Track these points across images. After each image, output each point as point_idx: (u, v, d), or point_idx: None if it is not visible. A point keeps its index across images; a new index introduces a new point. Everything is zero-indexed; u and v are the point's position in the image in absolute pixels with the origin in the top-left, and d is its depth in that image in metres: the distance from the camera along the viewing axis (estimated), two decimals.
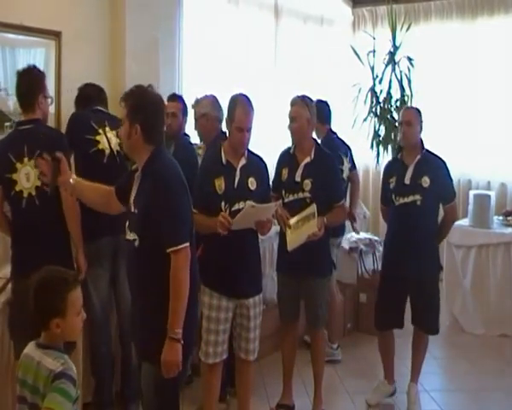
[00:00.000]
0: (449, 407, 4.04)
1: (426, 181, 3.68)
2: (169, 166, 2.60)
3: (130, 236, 2.56)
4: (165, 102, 4.36)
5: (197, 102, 4.00)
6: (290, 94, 6.43)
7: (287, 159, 3.75)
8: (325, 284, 3.77)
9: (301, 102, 3.66)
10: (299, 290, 3.72)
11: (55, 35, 4.22)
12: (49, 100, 3.40)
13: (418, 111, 3.87)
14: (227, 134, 3.31)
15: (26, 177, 3.19)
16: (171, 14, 5.08)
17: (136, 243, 2.52)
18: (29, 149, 3.18)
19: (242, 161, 3.25)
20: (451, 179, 3.87)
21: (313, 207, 3.41)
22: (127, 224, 2.60)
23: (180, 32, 5.20)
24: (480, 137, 6.84)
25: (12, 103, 4.05)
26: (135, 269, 2.60)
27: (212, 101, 3.97)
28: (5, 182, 3.22)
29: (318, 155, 3.64)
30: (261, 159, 3.39)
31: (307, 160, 3.62)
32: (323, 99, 4.73)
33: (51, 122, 4.29)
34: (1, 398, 3.27)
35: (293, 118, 3.66)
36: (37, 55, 4.21)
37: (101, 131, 3.64)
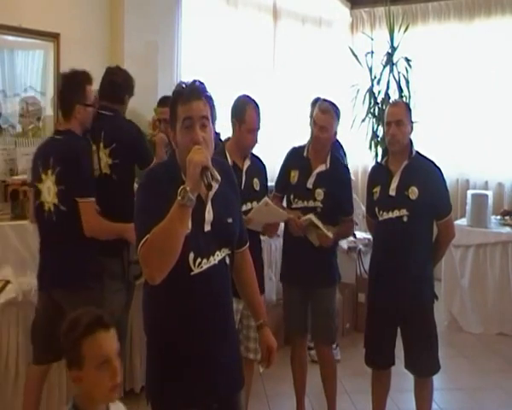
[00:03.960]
0: (447, 405, 4.05)
1: (414, 192, 3.09)
2: None
3: (217, 257, 2.10)
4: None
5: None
6: (289, 95, 6.52)
7: (298, 161, 3.52)
8: (334, 293, 3.57)
9: (333, 113, 3.41)
10: (307, 303, 3.54)
11: (54, 37, 4.24)
12: (91, 109, 3.19)
13: (408, 107, 3.32)
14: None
15: (48, 190, 3.06)
16: (170, 17, 5.10)
17: (228, 261, 2.16)
18: (53, 162, 3.03)
19: (247, 163, 3.23)
20: (446, 189, 3.27)
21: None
22: (203, 248, 2.05)
23: (179, 35, 5.23)
24: (477, 137, 6.87)
25: (10, 106, 4.07)
26: (229, 294, 2.21)
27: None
28: (34, 188, 3.16)
29: (334, 165, 3.47)
30: (260, 160, 3.39)
31: (322, 168, 3.44)
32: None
33: (50, 124, 4.32)
34: (1, 397, 3.28)
35: (322, 127, 3.38)
36: (35, 57, 4.23)
37: (94, 147, 3.35)
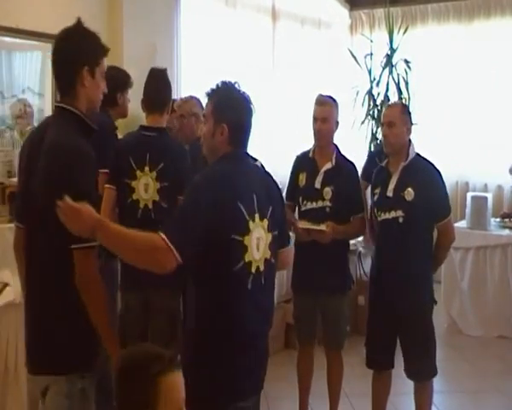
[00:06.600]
0: (447, 408, 4.06)
1: (409, 193, 3.09)
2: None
3: None
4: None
5: (186, 101, 3.87)
6: (288, 97, 6.50)
7: (305, 163, 3.50)
8: (345, 300, 3.54)
9: (332, 102, 3.45)
10: (317, 309, 3.53)
11: (52, 38, 4.22)
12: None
13: (404, 108, 3.33)
14: None
15: (145, 187, 3.01)
16: (169, 19, 5.10)
17: None
18: (151, 159, 2.99)
19: None
20: (445, 191, 3.24)
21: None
22: None
23: (178, 36, 5.22)
24: (477, 140, 6.86)
25: (8, 107, 4.05)
26: None
27: (200, 101, 3.92)
28: (123, 187, 3.05)
29: (340, 162, 3.43)
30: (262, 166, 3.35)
31: (328, 166, 3.41)
32: None
33: None
34: (1, 399, 3.28)
35: (325, 118, 3.39)
36: (33, 58, 4.22)
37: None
